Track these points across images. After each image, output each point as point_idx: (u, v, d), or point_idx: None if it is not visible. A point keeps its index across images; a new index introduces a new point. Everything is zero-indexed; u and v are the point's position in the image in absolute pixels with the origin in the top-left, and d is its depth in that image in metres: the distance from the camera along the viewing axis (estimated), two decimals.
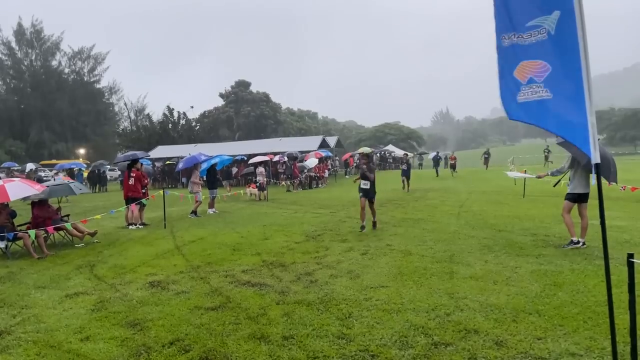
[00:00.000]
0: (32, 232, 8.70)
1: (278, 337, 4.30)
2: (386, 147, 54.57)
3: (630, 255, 3.15)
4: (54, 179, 23.87)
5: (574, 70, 3.34)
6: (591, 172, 7.36)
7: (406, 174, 21.04)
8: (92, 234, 10.22)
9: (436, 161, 32.44)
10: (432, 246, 8.04)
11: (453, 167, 31.65)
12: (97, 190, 31.55)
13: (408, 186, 20.75)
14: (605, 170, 7.08)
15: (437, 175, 29.63)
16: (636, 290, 3.10)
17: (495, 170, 33.87)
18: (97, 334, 4.61)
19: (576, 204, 7.53)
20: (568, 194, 7.61)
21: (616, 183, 7.76)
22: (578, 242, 7.37)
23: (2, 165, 38.95)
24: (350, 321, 4.63)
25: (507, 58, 3.65)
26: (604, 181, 6.78)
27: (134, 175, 12.46)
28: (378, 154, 49.13)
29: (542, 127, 3.62)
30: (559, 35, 3.36)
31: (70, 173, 32.52)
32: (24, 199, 9.44)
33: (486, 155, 38.03)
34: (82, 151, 59.40)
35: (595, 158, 3.32)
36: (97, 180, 32.34)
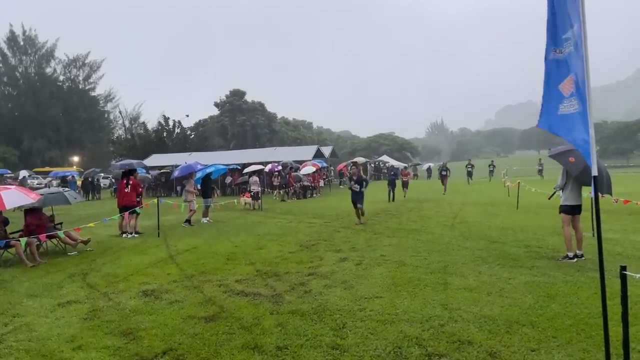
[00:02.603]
0: (23, 240, 8.63)
1: (272, 347, 4.28)
2: (380, 158, 54.85)
3: (623, 268, 3.18)
4: (48, 187, 23.75)
5: (583, 80, 3.41)
6: (583, 185, 7.44)
7: (357, 197, 13.00)
8: (85, 242, 10.15)
9: (392, 181, 22.65)
10: (426, 257, 8.06)
11: (405, 185, 24.77)
12: (90, 198, 31.37)
13: (362, 214, 13.16)
14: (599, 183, 7.13)
15: (391, 201, 21.26)
16: (628, 303, 3.12)
17: (489, 183, 34.09)
18: (89, 343, 4.57)
19: (569, 217, 7.56)
20: (561, 206, 7.64)
21: (611, 195, 7.81)
22: (573, 258, 7.36)
23: None
24: (344, 331, 4.63)
25: (554, 71, 3.76)
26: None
27: (132, 183, 12.43)
28: (372, 164, 49.46)
29: (567, 140, 3.70)
30: (576, 47, 3.48)
31: (63, 181, 32.36)
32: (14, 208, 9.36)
33: (444, 172, 27.90)
34: (75, 159, 59.09)
35: (594, 170, 3.37)
36: (90, 188, 32.18)
